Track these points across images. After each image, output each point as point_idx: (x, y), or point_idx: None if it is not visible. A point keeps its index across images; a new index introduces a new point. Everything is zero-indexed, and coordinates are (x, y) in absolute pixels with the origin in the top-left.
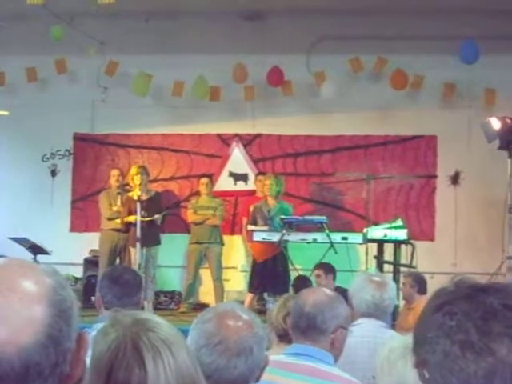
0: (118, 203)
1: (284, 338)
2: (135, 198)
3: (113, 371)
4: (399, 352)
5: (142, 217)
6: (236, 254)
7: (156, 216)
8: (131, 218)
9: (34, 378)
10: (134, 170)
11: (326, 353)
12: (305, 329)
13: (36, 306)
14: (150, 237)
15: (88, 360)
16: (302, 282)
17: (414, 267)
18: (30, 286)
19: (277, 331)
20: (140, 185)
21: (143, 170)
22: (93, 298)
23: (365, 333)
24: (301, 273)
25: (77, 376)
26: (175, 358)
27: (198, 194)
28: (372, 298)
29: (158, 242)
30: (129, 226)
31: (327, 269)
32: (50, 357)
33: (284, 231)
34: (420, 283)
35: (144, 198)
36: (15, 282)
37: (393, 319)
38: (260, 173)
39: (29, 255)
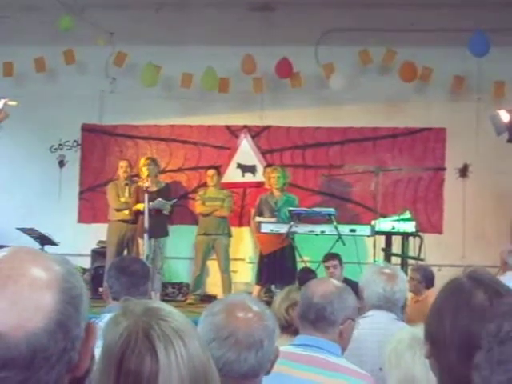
0: (126, 194)
1: (287, 329)
2: (144, 188)
3: (124, 360)
4: (407, 343)
5: (150, 208)
6: (244, 246)
7: (158, 202)
8: (139, 206)
9: (41, 363)
10: (142, 161)
11: (334, 344)
12: (314, 320)
13: (45, 291)
14: (158, 228)
15: (97, 351)
16: (307, 274)
17: (421, 259)
18: (39, 273)
19: (279, 322)
20: (148, 176)
21: (151, 162)
22: (100, 289)
23: (375, 325)
24: (308, 265)
25: (85, 366)
26: (187, 348)
27: (205, 185)
28: (383, 290)
29: (166, 234)
30: (137, 216)
31: (340, 259)
32: (58, 343)
33: (292, 223)
34: (428, 279)
35: (153, 189)
36: (25, 268)
37: (401, 311)
38: (267, 165)
39: (36, 246)
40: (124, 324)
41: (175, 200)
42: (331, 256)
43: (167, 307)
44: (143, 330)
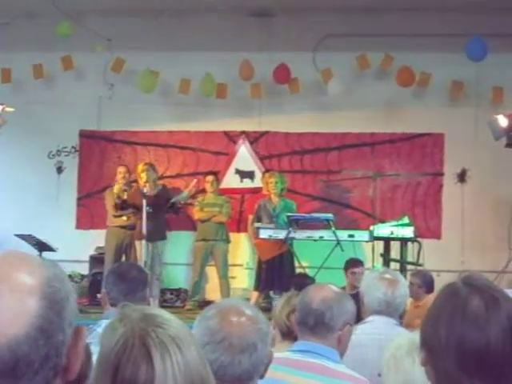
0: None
1: (288, 335)
2: (144, 191)
3: (120, 367)
4: (406, 349)
5: (148, 212)
6: (242, 252)
7: (176, 198)
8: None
9: (23, 370)
10: (140, 167)
11: (332, 350)
12: (313, 326)
13: (27, 297)
14: (156, 231)
15: (95, 357)
16: (302, 280)
17: (420, 265)
18: (22, 278)
19: (280, 328)
20: (146, 182)
21: (149, 167)
22: (99, 295)
23: (376, 330)
24: (307, 270)
25: (76, 369)
26: (184, 356)
27: (204, 191)
28: (384, 295)
29: (163, 237)
30: (135, 222)
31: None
32: (40, 349)
33: (290, 229)
34: (428, 284)
35: (151, 193)
36: (8, 273)
37: (400, 317)
38: (265, 171)
39: (34, 252)
40: (121, 331)
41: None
42: (359, 262)
43: (165, 314)
44: (140, 337)
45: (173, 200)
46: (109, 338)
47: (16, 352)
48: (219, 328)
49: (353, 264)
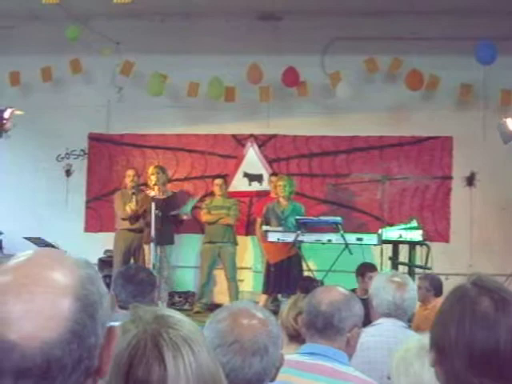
0: (133, 203)
1: (295, 338)
2: (151, 196)
3: (132, 368)
4: (415, 352)
5: (157, 216)
6: (250, 255)
7: (182, 208)
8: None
9: (56, 373)
10: (151, 169)
11: (340, 352)
12: (321, 328)
13: (60, 300)
14: (164, 236)
15: None
16: (308, 283)
17: (429, 268)
18: (55, 280)
19: (287, 331)
20: (156, 184)
21: (160, 170)
22: None
23: (385, 333)
24: (315, 274)
25: (107, 369)
26: (196, 356)
27: (212, 194)
28: (392, 298)
29: (171, 242)
30: (137, 218)
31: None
32: (73, 353)
33: (299, 232)
34: (436, 287)
35: (161, 197)
36: (40, 275)
37: (408, 320)
38: (272, 174)
39: None
40: (133, 332)
41: (195, 200)
42: (374, 267)
43: (177, 315)
44: (152, 338)
45: (173, 213)
46: (121, 339)
47: (49, 355)
48: (230, 331)
49: (370, 268)
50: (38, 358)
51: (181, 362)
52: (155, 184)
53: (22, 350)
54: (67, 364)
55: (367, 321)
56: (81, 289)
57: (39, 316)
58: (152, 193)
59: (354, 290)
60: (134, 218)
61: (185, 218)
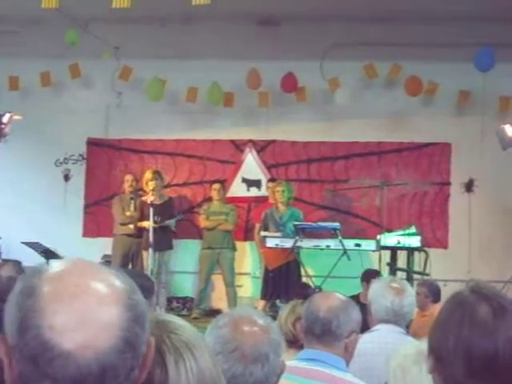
0: (132, 208)
1: (293, 343)
2: (148, 202)
3: None
4: (413, 358)
5: (155, 222)
6: (249, 260)
7: (167, 222)
8: (145, 224)
9: (110, 382)
10: (149, 174)
11: (338, 358)
12: (319, 334)
13: (112, 310)
14: (163, 241)
15: None
16: (303, 290)
17: (427, 274)
18: (104, 289)
19: (286, 337)
20: (153, 190)
21: (158, 175)
22: None
23: (383, 339)
24: (314, 280)
25: (142, 380)
26: (197, 362)
27: (210, 199)
28: (391, 304)
29: (170, 247)
30: (141, 231)
31: None
32: (127, 361)
33: (297, 237)
34: (434, 293)
35: (157, 202)
36: (90, 285)
37: (406, 326)
38: (270, 179)
39: (41, 260)
40: None
41: (181, 216)
42: (378, 273)
43: (178, 320)
44: (154, 342)
45: (166, 223)
46: None
47: (104, 364)
48: (231, 337)
49: (375, 275)
50: (94, 366)
51: (182, 366)
52: (153, 189)
53: (78, 360)
54: (121, 373)
55: (366, 326)
56: (128, 298)
57: (93, 325)
58: (150, 198)
59: (354, 296)
60: (136, 227)
61: (172, 229)
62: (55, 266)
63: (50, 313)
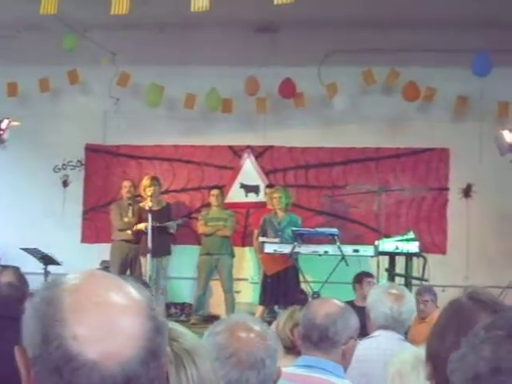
0: (130, 214)
1: (291, 350)
2: (146, 208)
3: None
4: (410, 364)
5: (153, 227)
6: (247, 266)
7: (169, 223)
8: (141, 226)
9: None
10: (146, 181)
11: (336, 365)
12: (317, 340)
13: (136, 320)
14: (161, 247)
15: None
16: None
17: (425, 280)
18: (125, 301)
19: (284, 343)
20: (151, 196)
21: (156, 181)
22: None
23: (381, 345)
24: (312, 285)
25: None
26: (198, 369)
27: (209, 205)
28: (390, 310)
29: (168, 253)
30: (139, 236)
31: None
32: (151, 371)
33: (295, 243)
34: (436, 297)
35: (155, 208)
36: (110, 295)
37: (404, 332)
38: (268, 185)
39: (40, 266)
40: None
41: (181, 220)
42: (370, 274)
43: (179, 328)
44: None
45: (162, 224)
46: None
47: (129, 374)
48: (228, 344)
49: (367, 275)
50: (118, 377)
51: (183, 374)
52: (151, 195)
53: (102, 370)
54: (144, 383)
55: (364, 331)
56: (149, 309)
57: (117, 335)
58: (149, 204)
59: (350, 302)
60: (133, 232)
61: (171, 231)
62: (72, 277)
63: (74, 323)
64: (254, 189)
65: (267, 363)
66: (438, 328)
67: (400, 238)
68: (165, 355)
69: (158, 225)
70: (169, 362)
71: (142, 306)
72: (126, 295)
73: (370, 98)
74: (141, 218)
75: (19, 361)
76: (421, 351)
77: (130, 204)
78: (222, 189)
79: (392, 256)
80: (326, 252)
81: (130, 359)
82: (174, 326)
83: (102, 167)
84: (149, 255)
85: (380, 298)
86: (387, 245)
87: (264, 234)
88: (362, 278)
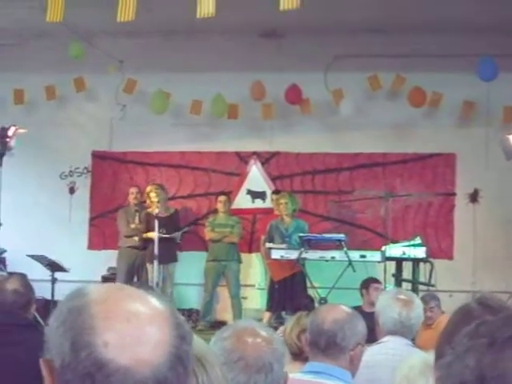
0: (136, 221)
1: (299, 356)
2: (154, 214)
3: None
4: (419, 370)
5: (160, 233)
6: (254, 272)
7: (175, 234)
8: (150, 235)
9: None
10: (148, 188)
11: (344, 371)
12: (325, 346)
13: (163, 327)
14: (168, 254)
15: None
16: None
17: (432, 285)
18: (151, 310)
19: (291, 349)
20: (158, 202)
21: (158, 187)
22: None
23: (390, 350)
24: (319, 291)
25: None
26: (209, 376)
27: (215, 211)
28: (398, 315)
29: (174, 259)
30: (146, 243)
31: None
32: (180, 377)
33: (302, 249)
34: (440, 302)
35: (163, 215)
36: (136, 305)
37: (412, 338)
38: (274, 191)
39: (47, 272)
40: None
41: (187, 228)
42: (377, 280)
43: None
44: None
45: (172, 235)
46: None
47: (159, 380)
48: (235, 348)
49: (374, 281)
50: (150, 381)
51: (194, 381)
52: (158, 201)
53: (135, 375)
54: None
55: (373, 336)
56: (174, 318)
57: (147, 342)
58: (156, 210)
59: (358, 308)
60: (141, 239)
61: (177, 241)
62: (97, 288)
63: (104, 330)
64: (261, 195)
65: (275, 367)
66: (447, 334)
67: (407, 243)
68: (192, 362)
69: (162, 236)
70: None
71: (166, 315)
72: (151, 305)
73: (376, 103)
74: (148, 224)
75: (45, 372)
76: (429, 356)
77: (136, 210)
78: (229, 195)
79: (399, 261)
80: (332, 258)
81: (160, 365)
82: None
83: (109, 174)
84: (155, 262)
85: (389, 304)
86: (394, 250)
87: (271, 240)
88: (368, 284)
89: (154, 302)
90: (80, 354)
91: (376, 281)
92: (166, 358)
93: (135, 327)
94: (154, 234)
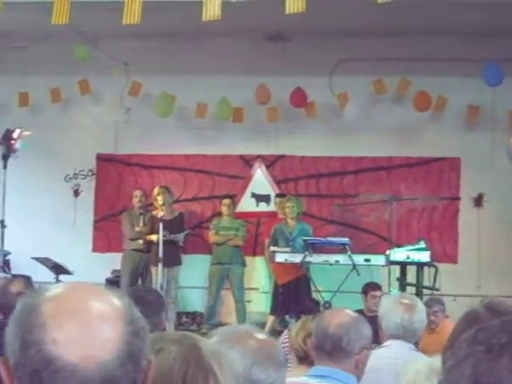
0: (141, 224)
1: (304, 360)
2: (158, 217)
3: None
4: (424, 374)
5: (164, 236)
6: (258, 275)
7: (176, 235)
8: (153, 237)
9: None
10: (156, 190)
11: (349, 375)
12: (330, 350)
13: (114, 324)
14: (172, 257)
15: None
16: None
17: (437, 289)
18: (104, 306)
19: (296, 353)
20: (163, 205)
21: (166, 190)
22: None
23: (393, 355)
24: (323, 295)
25: None
26: (224, 376)
27: (220, 214)
28: (401, 320)
29: (179, 263)
30: (150, 246)
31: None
32: (130, 374)
33: (306, 252)
34: (444, 307)
35: (168, 217)
36: (90, 302)
37: (415, 342)
38: (278, 194)
39: (51, 275)
40: (174, 353)
41: (187, 231)
42: (378, 286)
43: (197, 337)
44: (192, 352)
45: (174, 237)
46: (165, 359)
47: (107, 377)
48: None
49: (373, 287)
50: (97, 378)
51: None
52: (163, 204)
53: (81, 372)
54: None
55: (376, 339)
56: (128, 314)
57: (96, 339)
58: (160, 213)
59: (361, 311)
60: (145, 242)
61: (180, 244)
62: (54, 287)
63: (53, 328)
64: (265, 198)
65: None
66: (454, 338)
67: (411, 247)
68: (145, 358)
69: (165, 238)
70: (196, 370)
71: (120, 311)
72: (104, 302)
73: (381, 107)
74: (153, 226)
75: (2, 371)
76: (435, 361)
77: (141, 213)
78: (234, 198)
79: (403, 265)
80: (337, 261)
81: (109, 362)
82: (197, 337)
83: (114, 177)
84: (160, 265)
85: (391, 308)
86: (398, 254)
87: (275, 244)
88: (367, 291)
89: (109, 299)
90: (29, 352)
91: (375, 287)
92: (116, 355)
93: (85, 324)
94: (157, 237)
